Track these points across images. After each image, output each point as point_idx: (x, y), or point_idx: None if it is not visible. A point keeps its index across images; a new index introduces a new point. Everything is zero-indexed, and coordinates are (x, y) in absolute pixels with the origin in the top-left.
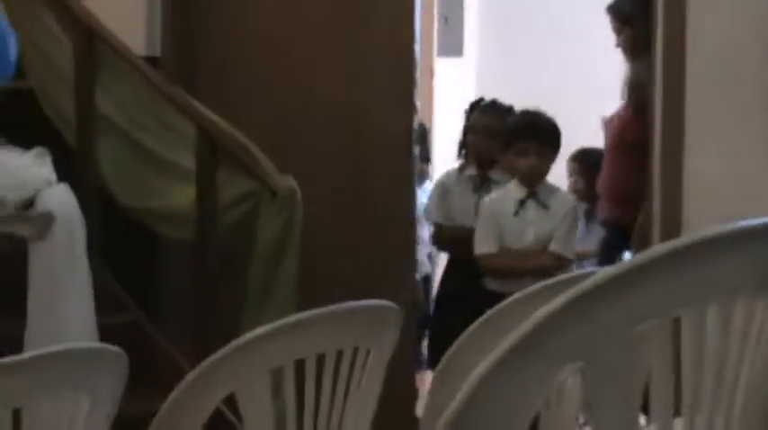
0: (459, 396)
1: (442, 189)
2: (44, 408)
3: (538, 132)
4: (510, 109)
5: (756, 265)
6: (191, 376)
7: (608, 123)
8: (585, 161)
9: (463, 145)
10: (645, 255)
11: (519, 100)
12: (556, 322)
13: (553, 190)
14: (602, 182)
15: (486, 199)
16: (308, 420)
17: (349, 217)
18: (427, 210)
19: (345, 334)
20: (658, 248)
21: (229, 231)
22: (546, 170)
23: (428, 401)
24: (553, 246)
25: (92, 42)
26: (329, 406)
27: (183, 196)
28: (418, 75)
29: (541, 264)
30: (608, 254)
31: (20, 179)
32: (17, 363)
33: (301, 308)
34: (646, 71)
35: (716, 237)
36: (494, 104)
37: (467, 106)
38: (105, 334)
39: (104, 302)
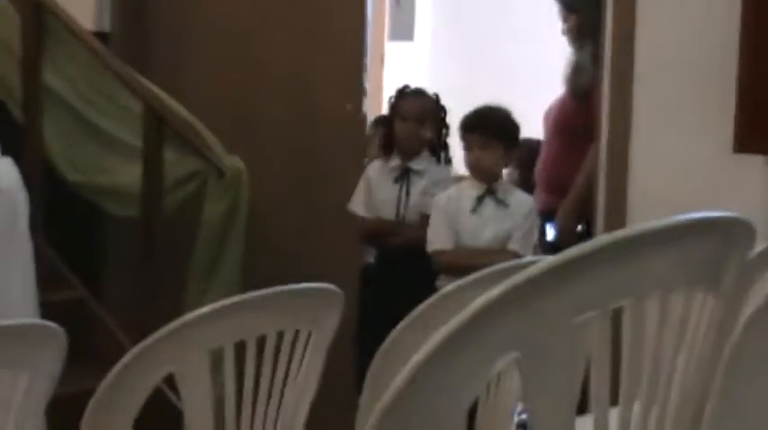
0: (395, 383)
1: (366, 180)
2: None
3: (480, 125)
4: (436, 97)
5: (690, 260)
6: (129, 355)
7: (548, 115)
8: (521, 151)
9: (389, 134)
10: (585, 247)
11: (470, 85)
12: (493, 311)
13: (511, 188)
14: (539, 172)
15: (442, 195)
16: (247, 401)
17: (298, 197)
18: (352, 201)
19: (286, 316)
20: (599, 240)
21: (176, 210)
22: (493, 164)
23: (368, 381)
24: (512, 245)
25: (40, 15)
26: (269, 387)
27: (130, 174)
28: (369, 59)
29: (498, 263)
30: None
31: None
32: None
33: (247, 287)
34: (588, 59)
35: (653, 230)
36: (419, 91)
37: (392, 94)
38: (49, 311)
39: (48, 279)
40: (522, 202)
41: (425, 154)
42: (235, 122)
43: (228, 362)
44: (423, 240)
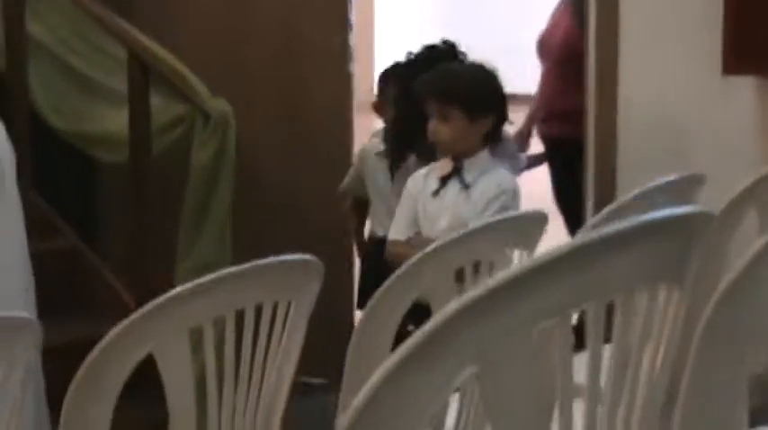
0: (357, 400)
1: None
2: None
3: (436, 89)
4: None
5: (653, 259)
6: (108, 337)
7: (545, 44)
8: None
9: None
10: (546, 256)
11: (464, 17)
12: (451, 327)
13: (486, 166)
14: (545, 101)
15: (417, 173)
16: (228, 377)
17: (285, 140)
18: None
19: (265, 289)
20: (560, 248)
21: (164, 155)
22: (454, 138)
23: (353, 340)
24: None
25: None
26: (250, 362)
27: (116, 120)
28: None
29: None
30: (564, 167)
31: None
32: None
33: (238, 232)
34: None
35: (614, 235)
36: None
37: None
38: (41, 261)
39: (39, 229)
40: (489, 186)
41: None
42: (220, 62)
43: (208, 340)
44: None
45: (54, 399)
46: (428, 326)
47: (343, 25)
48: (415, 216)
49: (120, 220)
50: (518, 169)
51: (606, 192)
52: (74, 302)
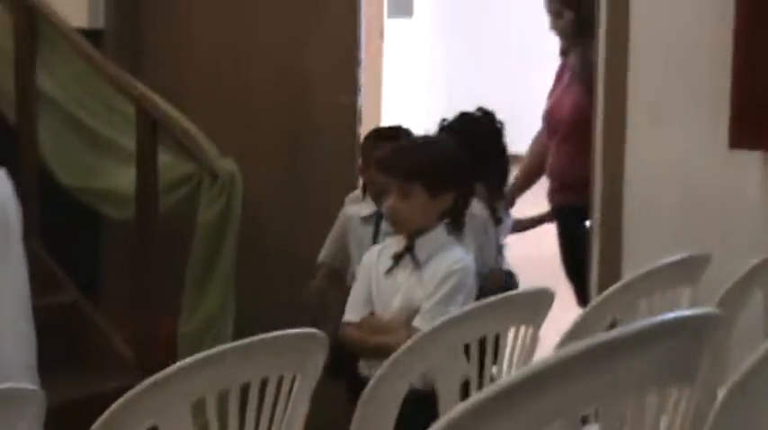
0: None
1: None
2: None
3: (392, 165)
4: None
5: (663, 360)
6: (111, 409)
7: (553, 112)
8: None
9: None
10: (553, 358)
11: (470, 61)
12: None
13: (440, 245)
14: (555, 167)
15: (372, 249)
16: None
17: (291, 196)
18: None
19: (270, 363)
20: (568, 350)
21: (170, 212)
22: (412, 215)
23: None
24: (416, 322)
25: (32, 17)
26: None
27: (124, 177)
28: (367, 36)
29: (390, 344)
30: (572, 236)
31: None
32: None
33: (243, 286)
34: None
35: (624, 336)
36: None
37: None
38: (44, 315)
39: (42, 284)
40: (441, 266)
41: None
42: (228, 117)
43: (211, 413)
44: None
45: None
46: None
47: (352, 86)
48: (370, 294)
49: (124, 275)
50: (505, 232)
51: (611, 263)
52: (74, 357)
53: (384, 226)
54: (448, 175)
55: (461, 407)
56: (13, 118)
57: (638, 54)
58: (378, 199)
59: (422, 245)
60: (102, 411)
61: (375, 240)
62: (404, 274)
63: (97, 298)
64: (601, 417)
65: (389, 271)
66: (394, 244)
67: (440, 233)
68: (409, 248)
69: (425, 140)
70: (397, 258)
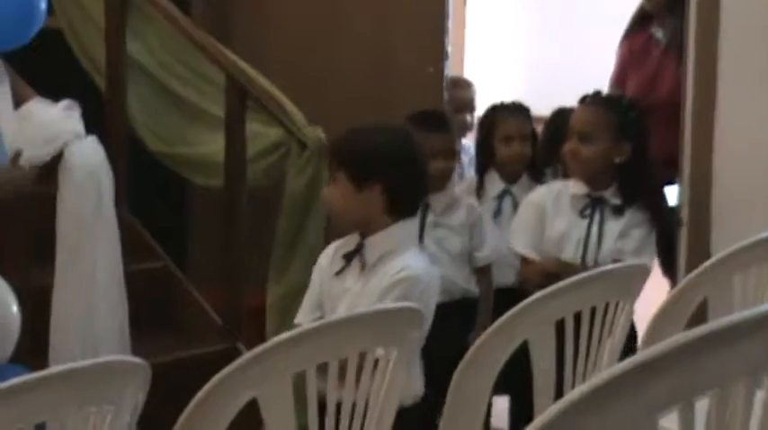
0: None
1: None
2: (68, 421)
3: (331, 150)
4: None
5: None
6: (212, 382)
7: (652, 83)
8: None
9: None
10: (663, 346)
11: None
12: (568, 419)
13: (392, 248)
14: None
15: (328, 248)
16: (330, 425)
17: None
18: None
19: (368, 336)
20: (678, 338)
21: (259, 180)
22: (341, 203)
23: (451, 392)
24: None
25: None
26: (351, 409)
27: (213, 144)
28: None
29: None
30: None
31: (49, 133)
32: (44, 379)
33: None
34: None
35: (737, 322)
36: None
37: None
38: (134, 281)
39: (133, 250)
40: (388, 272)
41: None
42: (315, 88)
43: (311, 386)
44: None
45: (143, 418)
46: (540, 420)
47: (440, 55)
48: (322, 296)
49: (212, 242)
50: None
51: (701, 238)
52: (163, 323)
53: (431, 217)
54: (373, 168)
55: (576, 392)
56: (102, 83)
57: (730, 25)
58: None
59: (372, 245)
60: (193, 376)
61: (422, 231)
62: (352, 277)
63: (185, 266)
64: (711, 407)
65: (340, 272)
66: (350, 242)
67: (393, 234)
68: (359, 248)
69: (370, 129)
70: (348, 258)
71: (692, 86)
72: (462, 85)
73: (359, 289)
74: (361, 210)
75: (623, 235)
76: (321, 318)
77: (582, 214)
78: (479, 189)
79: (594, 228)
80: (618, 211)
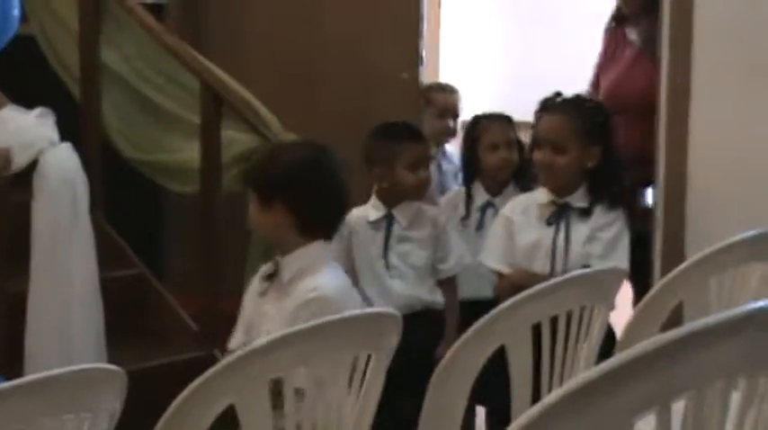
0: None
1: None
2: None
3: (244, 173)
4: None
5: (754, 348)
6: (189, 389)
7: (616, 86)
8: None
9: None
10: (641, 347)
11: (527, 39)
12: (546, 421)
13: (307, 267)
14: (629, 144)
15: (264, 267)
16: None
17: (355, 170)
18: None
19: (345, 342)
20: (654, 340)
21: (233, 187)
22: (252, 220)
23: (429, 395)
24: None
25: None
26: (326, 414)
27: (188, 151)
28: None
29: None
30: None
31: (24, 140)
32: (19, 387)
33: None
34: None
35: (714, 325)
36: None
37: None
38: (109, 288)
39: (108, 257)
40: (301, 291)
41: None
42: (291, 93)
43: (288, 391)
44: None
45: (120, 426)
46: (517, 423)
47: (414, 60)
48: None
49: (187, 249)
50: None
51: (675, 240)
52: (139, 329)
53: (396, 229)
54: (275, 187)
55: (553, 395)
56: (76, 90)
57: (703, 29)
58: (398, 200)
59: (287, 264)
60: (170, 383)
61: (387, 245)
62: (273, 298)
63: (160, 272)
64: (687, 408)
65: (263, 293)
66: (273, 263)
67: (307, 253)
68: (276, 269)
69: (285, 147)
70: (269, 279)
71: (666, 89)
72: (446, 90)
73: (277, 310)
74: (270, 229)
75: (591, 238)
76: (247, 343)
77: (548, 222)
78: (468, 200)
79: (561, 235)
80: (584, 214)
